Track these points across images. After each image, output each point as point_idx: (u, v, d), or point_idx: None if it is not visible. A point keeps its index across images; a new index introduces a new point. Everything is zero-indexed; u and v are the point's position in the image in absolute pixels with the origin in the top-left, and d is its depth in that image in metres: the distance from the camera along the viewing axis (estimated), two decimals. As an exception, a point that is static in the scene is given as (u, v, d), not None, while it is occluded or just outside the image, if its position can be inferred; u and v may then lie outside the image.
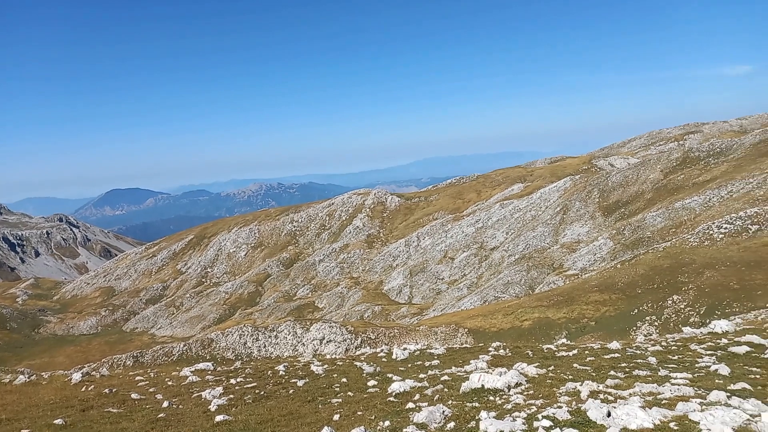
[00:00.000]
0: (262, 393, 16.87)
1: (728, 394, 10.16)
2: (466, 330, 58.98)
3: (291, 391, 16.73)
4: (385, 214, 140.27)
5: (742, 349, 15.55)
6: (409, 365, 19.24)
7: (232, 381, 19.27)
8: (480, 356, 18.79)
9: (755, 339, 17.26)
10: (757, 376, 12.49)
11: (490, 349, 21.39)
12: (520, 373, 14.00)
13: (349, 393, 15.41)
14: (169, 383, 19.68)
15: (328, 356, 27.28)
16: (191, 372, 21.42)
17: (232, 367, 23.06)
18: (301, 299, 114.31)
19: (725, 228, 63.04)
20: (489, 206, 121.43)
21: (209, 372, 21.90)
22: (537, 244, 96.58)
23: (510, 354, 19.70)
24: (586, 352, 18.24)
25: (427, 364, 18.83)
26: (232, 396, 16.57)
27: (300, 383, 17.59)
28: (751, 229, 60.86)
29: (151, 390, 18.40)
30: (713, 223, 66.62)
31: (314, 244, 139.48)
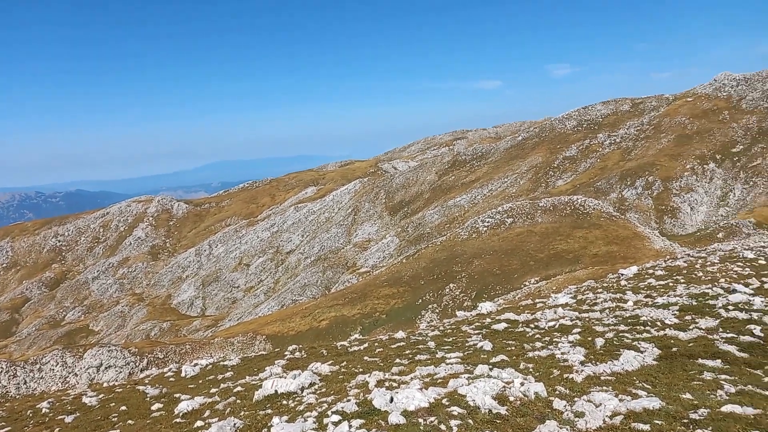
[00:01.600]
0: (18, 438, 14.30)
1: (490, 366, 11.59)
2: (264, 337, 58.06)
3: (57, 431, 14.47)
4: (171, 223, 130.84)
5: (501, 326, 17.95)
6: (200, 381, 18.11)
7: (-24, 431, 16.00)
8: (276, 362, 18.53)
9: (511, 316, 20.09)
10: (513, 348, 14.53)
11: (287, 353, 21.25)
12: (314, 373, 14.15)
13: (129, 421, 13.88)
14: None
15: (106, 384, 24.32)
16: None
17: (-24, 414, 19.12)
18: (71, 324, 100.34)
19: (488, 222, 72.62)
20: (284, 210, 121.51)
21: (-57, 424, 17.87)
22: (331, 244, 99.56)
23: (306, 355, 19.80)
24: (376, 344, 19.23)
25: (219, 377, 17.94)
26: (-25, 449, 13.75)
27: (68, 419, 15.32)
28: (507, 222, 71.14)
29: None
30: (479, 217, 76.22)
31: (86, 260, 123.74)
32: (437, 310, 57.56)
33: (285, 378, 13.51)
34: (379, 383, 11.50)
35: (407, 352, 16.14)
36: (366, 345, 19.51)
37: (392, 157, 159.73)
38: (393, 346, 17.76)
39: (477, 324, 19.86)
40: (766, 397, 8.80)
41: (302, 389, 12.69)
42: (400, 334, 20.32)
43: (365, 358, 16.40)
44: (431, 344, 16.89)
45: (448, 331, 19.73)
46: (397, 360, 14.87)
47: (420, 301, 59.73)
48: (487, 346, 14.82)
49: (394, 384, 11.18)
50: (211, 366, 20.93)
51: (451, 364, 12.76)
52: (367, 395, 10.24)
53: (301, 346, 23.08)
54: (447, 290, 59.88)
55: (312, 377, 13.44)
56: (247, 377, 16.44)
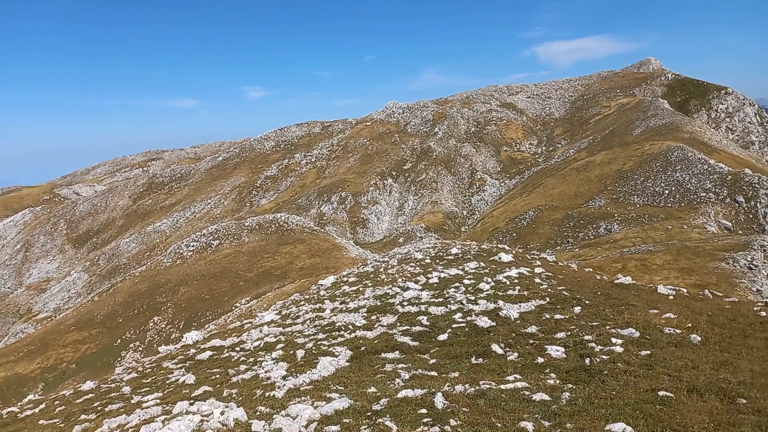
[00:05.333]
0: None
1: (191, 401, 10.90)
2: None
3: None
4: None
5: (206, 355, 17.18)
6: None
7: None
8: None
9: (217, 342, 19.41)
10: (217, 376, 14.01)
11: (-77, 440, 16.35)
12: (-38, 459, 11.16)
13: None
14: None
15: None
16: None
17: None
18: None
19: (193, 246, 69.64)
20: None
21: None
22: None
23: (-46, 437, 15.55)
24: (56, 402, 16.29)
25: None
26: None
27: None
28: (213, 244, 69.41)
29: None
30: (182, 242, 72.49)
31: None
32: (140, 348, 52.50)
33: None
34: (55, 451, 9.68)
35: (96, 404, 14.10)
36: (44, 405, 16.38)
37: (73, 181, 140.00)
38: (78, 401, 15.33)
39: (181, 357, 18.62)
40: (431, 377, 10.40)
41: (-58, 485, 9.83)
42: (88, 385, 17.66)
43: (41, 422, 13.74)
44: (126, 389, 15.13)
45: (148, 370, 18.00)
46: (83, 416, 12.85)
47: (119, 341, 53.58)
48: (190, 379, 13.98)
49: (74, 448, 9.55)
50: None
51: (148, 407, 11.59)
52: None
53: (-52, 426, 18.10)
54: (151, 324, 55.21)
55: (-42, 466, 10.54)
56: None
